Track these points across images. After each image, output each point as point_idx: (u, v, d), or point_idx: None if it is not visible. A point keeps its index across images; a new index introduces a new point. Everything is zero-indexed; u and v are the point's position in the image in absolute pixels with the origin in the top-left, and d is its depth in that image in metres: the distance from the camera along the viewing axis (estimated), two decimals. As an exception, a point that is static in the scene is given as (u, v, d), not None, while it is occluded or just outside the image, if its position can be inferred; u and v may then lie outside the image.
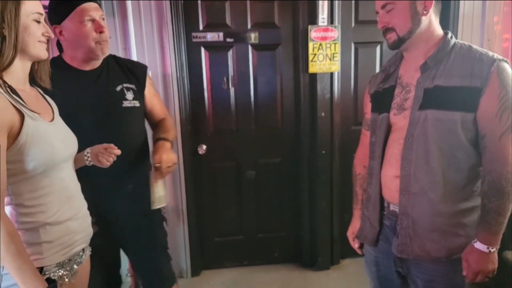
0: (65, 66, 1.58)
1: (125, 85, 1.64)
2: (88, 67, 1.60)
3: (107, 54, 1.59)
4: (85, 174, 1.39)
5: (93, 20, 1.51)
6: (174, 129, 1.81)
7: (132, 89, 1.66)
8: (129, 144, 1.62)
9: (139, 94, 1.68)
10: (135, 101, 1.65)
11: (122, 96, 1.62)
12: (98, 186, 1.53)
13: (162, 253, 1.82)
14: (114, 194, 1.57)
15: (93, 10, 1.51)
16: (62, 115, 1.45)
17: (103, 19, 1.55)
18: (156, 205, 1.61)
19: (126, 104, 1.62)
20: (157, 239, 1.80)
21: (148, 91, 1.73)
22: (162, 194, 1.58)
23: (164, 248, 1.84)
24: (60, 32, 1.53)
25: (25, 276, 1.05)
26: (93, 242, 1.57)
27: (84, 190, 1.36)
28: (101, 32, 1.51)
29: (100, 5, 1.58)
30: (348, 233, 1.64)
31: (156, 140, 1.66)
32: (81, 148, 1.38)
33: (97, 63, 1.61)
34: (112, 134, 1.55)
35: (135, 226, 1.71)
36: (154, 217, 1.79)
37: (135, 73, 1.69)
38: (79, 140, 1.40)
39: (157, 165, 1.53)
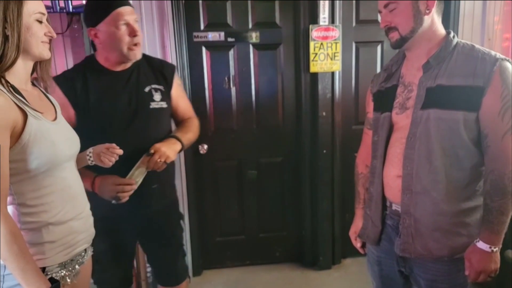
0: (98, 66, 1.62)
1: (153, 86, 1.66)
2: (119, 68, 1.63)
3: (139, 58, 1.61)
4: (110, 171, 1.44)
5: (127, 24, 1.53)
6: (195, 132, 1.78)
7: (160, 90, 1.67)
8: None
9: (167, 95, 1.69)
10: (162, 102, 1.66)
11: (150, 97, 1.63)
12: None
13: (178, 249, 1.86)
14: (138, 192, 1.56)
15: (128, 14, 1.53)
16: (92, 114, 1.54)
17: (137, 21, 1.58)
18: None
19: (153, 105, 1.63)
20: (175, 236, 1.84)
21: (175, 91, 1.73)
22: (138, 180, 1.54)
23: (181, 244, 1.88)
24: (95, 35, 1.55)
25: (28, 276, 1.05)
26: (111, 238, 1.64)
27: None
28: (134, 35, 1.54)
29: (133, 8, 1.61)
30: (350, 233, 1.64)
31: (169, 136, 1.65)
32: None
33: (128, 64, 1.64)
34: (139, 134, 1.59)
35: (155, 223, 1.74)
36: (172, 214, 1.84)
37: (164, 73, 1.70)
38: (107, 139, 1.45)
39: (151, 151, 1.52)
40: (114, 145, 1.39)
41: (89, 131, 1.50)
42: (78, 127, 1.50)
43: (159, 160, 1.53)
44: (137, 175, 1.53)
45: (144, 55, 1.72)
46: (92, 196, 1.46)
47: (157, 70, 1.70)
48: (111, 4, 1.52)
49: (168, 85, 1.70)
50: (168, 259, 1.83)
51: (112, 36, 1.52)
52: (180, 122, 1.80)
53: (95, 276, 1.71)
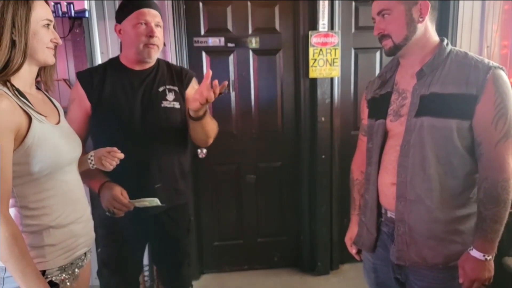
0: (118, 64, 1.67)
1: (168, 86, 1.68)
2: (138, 67, 1.66)
3: (154, 58, 1.64)
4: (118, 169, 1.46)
5: (146, 24, 1.57)
6: (214, 125, 1.74)
7: (175, 90, 1.68)
8: (165, 144, 1.64)
9: (181, 96, 1.70)
10: (175, 102, 1.66)
11: (163, 97, 1.65)
12: (131, 185, 1.56)
13: (184, 256, 1.85)
14: (144, 194, 1.57)
15: (149, 15, 1.58)
16: (105, 108, 1.58)
17: (159, 26, 1.61)
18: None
19: (165, 104, 1.64)
20: (181, 243, 1.83)
21: (190, 92, 1.72)
22: (140, 206, 1.56)
23: (187, 253, 1.87)
24: (120, 31, 1.64)
25: (28, 279, 1.05)
26: (120, 241, 1.66)
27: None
28: (151, 36, 1.57)
29: (160, 12, 1.64)
30: (346, 239, 1.65)
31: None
32: (121, 140, 1.47)
33: (147, 65, 1.67)
34: (148, 131, 1.61)
35: (162, 227, 1.74)
36: (180, 220, 1.82)
37: (181, 75, 1.73)
38: (117, 134, 1.52)
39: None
40: (115, 149, 1.41)
41: (101, 125, 1.58)
42: (92, 120, 1.62)
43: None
44: (141, 205, 1.54)
45: (166, 62, 1.76)
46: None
47: (175, 73, 1.72)
48: (137, 4, 1.59)
49: (183, 87, 1.71)
50: (171, 264, 1.84)
51: (130, 33, 1.58)
52: None
53: (103, 281, 1.74)
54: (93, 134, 1.67)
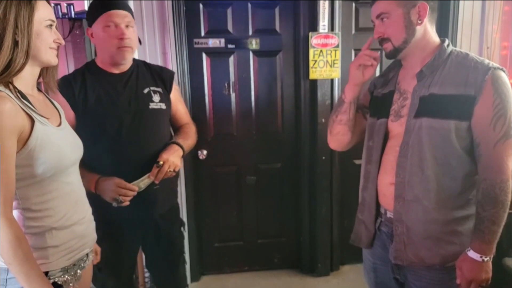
0: (96, 69, 1.64)
1: (152, 88, 1.68)
2: (116, 70, 1.64)
3: (129, 59, 1.63)
4: (111, 174, 1.49)
5: (116, 26, 1.54)
6: (193, 138, 1.81)
7: (159, 92, 1.69)
8: (155, 146, 1.63)
9: (166, 97, 1.71)
10: (161, 103, 1.67)
11: (149, 98, 1.65)
12: None
13: (179, 257, 1.87)
14: (141, 196, 1.57)
15: (118, 17, 1.55)
16: (91, 116, 1.56)
17: (130, 26, 1.57)
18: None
19: (153, 106, 1.65)
20: (176, 243, 1.85)
21: (174, 96, 1.76)
22: (142, 187, 1.56)
23: (181, 252, 1.88)
24: (92, 34, 1.61)
25: (32, 281, 1.05)
26: (115, 243, 1.65)
27: None
28: (121, 38, 1.54)
29: (131, 12, 1.61)
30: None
31: (171, 142, 1.66)
32: (111, 145, 1.51)
33: (125, 67, 1.65)
34: (139, 135, 1.61)
35: (157, 229, 1.75)
36: (174, 220, 1.84)
37: (162, 77, 1.73)
38: (107, 140, 1.52)
39: (160, 162, 1.54)
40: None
41: (88, 133, 1.53)
42: (77, 129, 1.52)
43: (168, 170, 1.55)
44: (143, 184, 1.55)
45: (144, 62, 1.75)
46: (96, 199, 1.48)
47: (155, 74, 1.72)
48: (104, 5, 1.56)
49: (167, 89, 1.72)
50: (168, 266, 1.84)
51: (101, 36, 1.55)
52: (179, 128, 1.81)
53: (98, 284, 1.73)
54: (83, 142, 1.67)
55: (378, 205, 1.42)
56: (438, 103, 1.23)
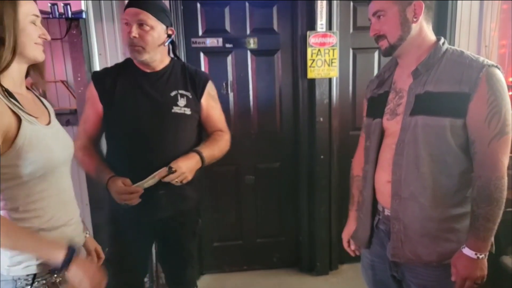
0: (131, 66, 1.64)
1: (180, 91, 1.62)
2: (147, 69, 1.62)
3: (140, 58, 1.56)
4: (125, 174, 1.49)
5: (127, 24, 1.54)
6: (222, 147, 1.71)
7: (187, 96, 1.63)
8: (174, 151, 1.57)
9: (194, 103, 1.64)
10: (186, 109, 1.61)
11: (174, 102, 1.60)
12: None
13: (188, 259, 1.83)
14: (153, 196, 1.56)
15: (129, 14, 1.53)
16: (115, 111, 1.57)
17: (144, 25, 1.52)
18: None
19: (175, 110, 1.60)
20: (187, 245, 1.81)
21: (205, 101, 1.69)
22: (146, 187, 1.54)
23: (191, 255, 1.84)
24: None
25: (42, 247, 1.10)
26: (127, 241, 1.66)
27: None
28: (129, 37, 1.53)
29: (150, 9, 1.53)
30: (343, 234, 1.66)
31: (193, 151, 1.60)
32: (127, 144, 1.51)
33: (156, 66, 1.63)
34: (157, 137, 1.57)
35: (169, 229, 1.72)
36: (187, 223, 1.78)
37: (194, 81, 1.67)
38: (126, 138, 1.52)
39: (172, 169, 1.50)
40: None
41: (111, 127, 1.56)
42: (104, 121, 1.61)
43: (176, 180, 1.52)
44: (147, 185, 1.53)
45: (183, 63, 1.72)
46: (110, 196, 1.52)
47: (189, 77, 1.67)
48: (128, 3, 1.57)
49: (198, 93, 1.66)
50: (177, 267, 1.83)
51: (122, 33, 1.57)
52: (210, 134, 1.74)
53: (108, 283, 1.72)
54: (106, 135, 1.67)
55: (375, 203, 1.42)
56: (433, 101, 1.23)
